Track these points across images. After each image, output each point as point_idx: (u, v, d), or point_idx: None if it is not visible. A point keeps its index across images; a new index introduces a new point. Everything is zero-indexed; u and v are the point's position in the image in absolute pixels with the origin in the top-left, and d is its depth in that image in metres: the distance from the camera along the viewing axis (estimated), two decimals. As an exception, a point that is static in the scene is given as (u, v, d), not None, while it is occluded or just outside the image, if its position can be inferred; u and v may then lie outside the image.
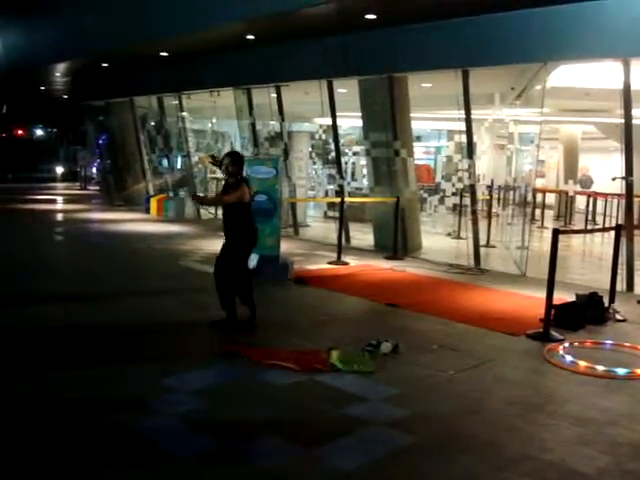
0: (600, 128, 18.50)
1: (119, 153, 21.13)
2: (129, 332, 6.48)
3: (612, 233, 8.22)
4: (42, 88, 22.77)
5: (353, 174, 14.46)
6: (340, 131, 13.95)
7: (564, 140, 19.94)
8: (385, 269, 10.54)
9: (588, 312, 7.22)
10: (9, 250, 11.38)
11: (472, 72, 10.52)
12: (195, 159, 17.93)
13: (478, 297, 8.62)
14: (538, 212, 17.13)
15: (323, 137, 14.05)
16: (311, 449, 3.99)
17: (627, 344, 6.46)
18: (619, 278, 8.23)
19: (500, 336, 6.69)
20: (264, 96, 14.47)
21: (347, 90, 13.07)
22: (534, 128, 12.10)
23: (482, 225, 12.07)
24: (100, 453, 3.85)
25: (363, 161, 13.48)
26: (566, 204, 17.74)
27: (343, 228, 11.56)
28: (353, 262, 10.90)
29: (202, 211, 17.54)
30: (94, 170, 30.61)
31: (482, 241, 11.73)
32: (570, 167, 19.30)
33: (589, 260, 12.97)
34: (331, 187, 13.75)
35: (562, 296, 7.42)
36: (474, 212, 11.19)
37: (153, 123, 19.45)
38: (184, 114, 17.90)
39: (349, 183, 13.76)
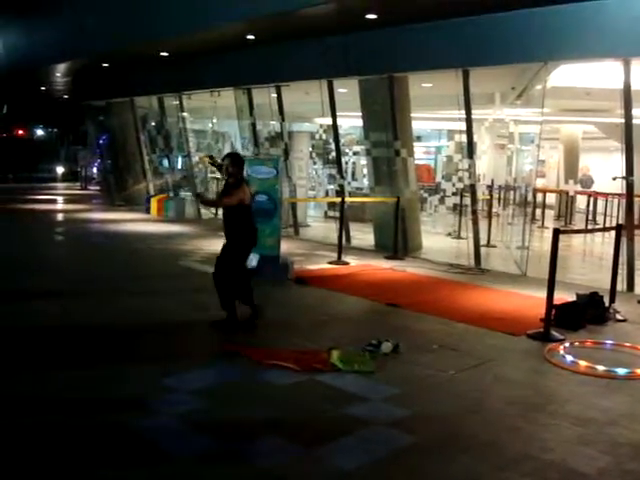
0: (600, 128, 18.49)
1: (120, 153, 21.14)
2: (129, 332, 6.48)
3: (612, 233, 8.21)
4: (43, 88, 22.78)
5: (353, 174, 14.46)
6: (340, 131, 13.95)
7: (564, 140, 19.94)
8: (385, 269, 10.54)
9: (588, 312, 7.21)
10: (10, 250, 11.39)
11: (472, 72, 10.52)
12: (195, 159, 17.94)
13: (478, 297, 8.61)
14: (538, 212, 17.13)
15: (323, 137, 14.05)
16: (312, 449, 3.99)
17: (627, 344, 6.46)
18: (620, 278, 8.24)
19: (500, 336, 6.69)
20: (264, 96, 14.47)
21: (347, 90, 13.07)
22: (534, 128, 12.09)
23: (482, 225, 12.07)
24: (100, 453, 3.85)
25: (363, 161, 13.48)
26: (566, 204, 17.73)
27: (343, 228, 11.55)
28: (353, 262, 10.90)
29: (203, 211, 17.54)
30: (95, 170, 30.62)
31: (482, 241, 11.72)
32: (570, 167, 19.29)
33: (589, 260, 12.96)
34: (331, 187, 13.74)
35: (563, 296, 7.41)
36: (474, 212, 11.19)
37: (154, 123, 19.45)
38: (184, 114, 17.90)
39: (349, 183, 13.76)
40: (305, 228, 15.57)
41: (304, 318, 7.25)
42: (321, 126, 14.52)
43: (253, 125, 15.19)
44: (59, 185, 30.99)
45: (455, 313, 7.58)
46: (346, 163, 13.46)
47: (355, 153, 13.83)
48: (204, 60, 14.98)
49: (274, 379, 5.18)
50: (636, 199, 10.26)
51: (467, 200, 11.36)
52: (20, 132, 41.51)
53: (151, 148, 19.56)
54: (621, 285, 8.66)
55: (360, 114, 12.74)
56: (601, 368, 5.61)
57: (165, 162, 19.41)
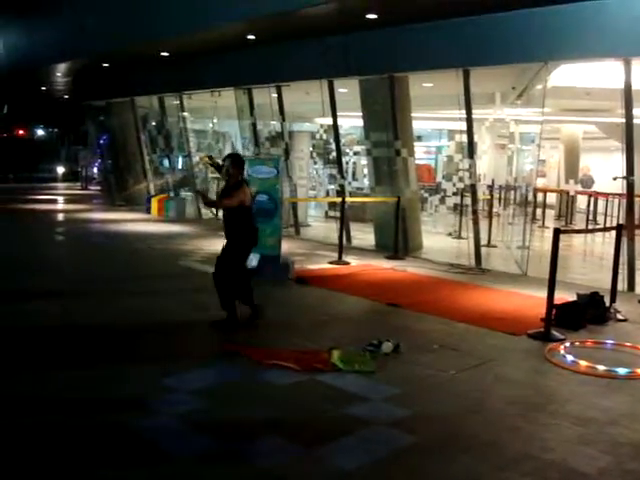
0: (601, 128, 18.48)
1: (120, 153, 21.14)
2: (129, 332, 6.48)
3: (613, 233, 8.20)
4: (43, 88, 22.79)
5: (354, 174, 14.47)
6: (341, 131, 13.95)
7: (565, 140, 19.93)
8: (386, 269, 10.54)
9: (589, 312, 7.21)
10: (10, 250, 11.39)
11: (473, 72, 10.51)
12: (196, 159, 17.94)
13: (479, 297, 8.61)
14: (539, 212, 17.13)
15: (324, 137, 14.05)
16: (312, 449, 3.98)
17: (628, 344, 6.45)
18: (620, 278, 8.23)
19: (501, 336, 6.68)
20: (265, 96, 14.47)
21: (348, 90, 13.07)
22: (535, 128, 12.08)
23: (483, 225, 12.07)
24: (100, 453, 3.85)
25: (364, 161, 13.48)
26: (567, 204, 17.73)
27: (344, 228, 11.55)
28: (354, 262, 10.90)
29: (203, 211, 17.53)
30: (95, 170, 30.64)
31: (483, 241, 11.71)
32: (571, 167, 19.27)
33: (590, 260, 12.95)
34: (332, 187, 13.74)
35: (563, 296, 7.40)
36: (475, 212, 11.18)
37: (154, 123, 19.46)
38: (185, 114, 17.90)
39: (350, 183, 13.77)
40: (306, 228, 15.56)
41: (305, 318, 7.25)
42: (322, 126, 14.53)
43: (254, 125, 15.19)
44: (60, 185, 31.01)
45: (456, 313, 7.58)
46: (347, 163, 13.46)
47: (356, 153, 13.83)
48: (204, 60, 14.99)
49: (274, 379, 5.18)
50: (636, 199, 10.25)
51: (468, 200, 11.35)
52: (21, 132, 41.53)
53: (151, 148, 19.57)
54: (622, 285, 8.65)
55: (361, 114, 12.74)
56: (602, 368, 5.61)
57: (165, 162, 19.42)
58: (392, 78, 11.71)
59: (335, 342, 6.04)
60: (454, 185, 11.25)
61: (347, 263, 10.74)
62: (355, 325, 7.24)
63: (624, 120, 9.06)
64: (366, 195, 13.74)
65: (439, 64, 10.85)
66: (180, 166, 19.51)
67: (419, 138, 22.96)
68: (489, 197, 14.56)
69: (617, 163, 9.47)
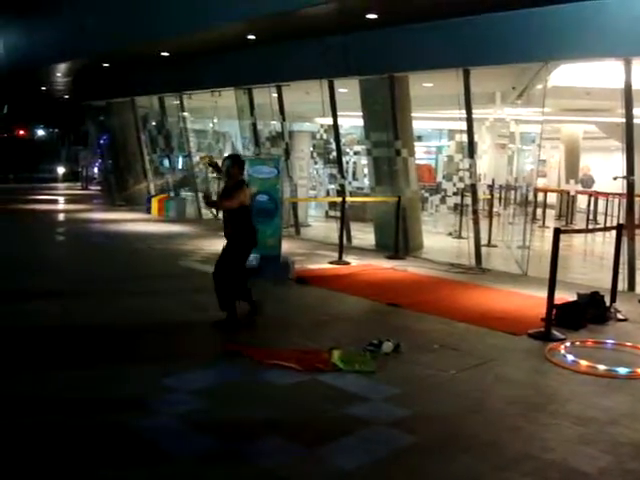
0: (601, 127, 18.47)
1: (120, 153, 21.14)
2: (129, 332, 6.48)
3: (613, 232, 8.20)
4: (43, 88, 22.79)
5: (354, 174, 14.44)
6: (341, 131, 13.95)
7: (565, 139, 19.92)
8: (386, 269, 10.53)
9: (589, 311, 7.21)
10: (10, 250, 11.38)
11: (473, 72, 10.50)
12: (196, 159, 17.93)
13: (479, 296, 8.60)
14: (539, 211, 17.13)
15: (324, 137, 14.05)
16: (312, 449, 3.98)
17: (628, 343, 6.45)
18: (620, 277, 8.23)
19: (501, 335, 6.68)
20: (265, 96, 14.47)
21: (348, 90, 13.06)
22: (535, 127, 12.09)
23: (483, 225, 12.07)
24: (100, 453, 3.85)
25: (364, 161, 13.47)
26: (567, 203, 17.73)
27: (344, 228, 11.55)
28: (354, 262, 10.90)
29: (203, 211, 17.53)
30: (95, 170, 30.64)
31: (483, 240, 11.71)
32: (571, 167, 19.27)
33: (590, 259, 12.95)
34: (332, 187, 13.73)
35: (563, 295, 7.40)
36: (475, 212, 11.18)
37: (154, 123, 19.46)
38: (185, 114, 17.90)
39: (350, 183, 13.75)
40: (306, 228, 15.56)
41: (305, 318, 7.25)
42: (322, 126, 14.52)
43: (254, 125, 15.19)
44: (60, 185, 31.00)
45: (456, 313, 7.58)
46: (347, 163, 13.45)
47: (356, 153, 13.82)
48: (204, 60, 14.98)
49: (275, 379, 5.18)
50: (637, 199, 10.25)
51: (468, 200, 11.35)
52: (21, 132, 41.50)
53: (152, 148, 19.57)
54: (622, 285, 8.65)
55: (361, 114, 12.73)
56: (602, 367, 5.60)
57: (166, 162, 19.41)
58: (392, 78, 11.71)
59: (335, 342, 6.04)
60: (454, 185, 11.25)
61: (347, 263, 10.74)
62: (355, 325, 7.24)
63: (624, 120, 9.05)
64: (366, 195, 13.73)
65: (439, 64, 10.85)
66: (180, 166, 19.51)
67: (419, 138, 22.95)
68: (489, 197, 14.55)
69: (617, 163, 9.47)
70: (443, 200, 11.55)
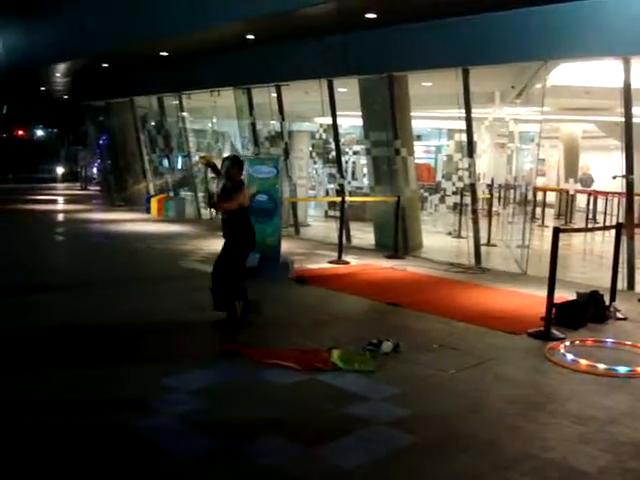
0: (600, 126, 18.48)
1: (119, 153, 21.14)
2: (129, 332, 6.48)
3: (613, 232, 8.21)
4: (42, 88, 22.78)
5: (354, 173, 14.47)
6: (340, 130, 13.95)
7: (564, 139, 19.93)
8: (386, 268, 10.54)
9: (589, 310, 7.21)
10: (10, 250, 11.38)
11: (472, 71, 10.51)
12: (195, 159, 17.94)
13: (479, 296, 8.61)
14: (539, 211, 17.13)
15: (323, 136, 14.05)
16: (312, 448, 3.98)
17: (628, 342, 6.46)
18: (620, 276, 8.24)
19: (501, 335, 6.68)
20: (264, 96, 14.47)
21: (347, 89, 13.06)
22: (534, 127, 12.09)
23: (483, 224, 12.06)
24: (100, 453, 3.85)
25: (363, 160, 13.48)
26: (567, 203, 17.74)
27: (344, 227, 11.55)
28: (354, 261, 10.90)
29: (203, 211, 17.54)
30: (95, 170, 30.61)
31: (483, 240, 11.71)
32: (570, 166, 19.29)
33: (590, 259, 12.96)
34: (332, 186, 13.74)
35: (563, 295, 7.40)
36: (475, 211, 11.18)
37: (153, 123, 19.46)
38: (184, 114, 17.90)
39: (349, 182, 13.76)
40: (305, 227, 15.56)
41: (304, 317, 7.25)
42: (321, 125, 14.53)
43: (253, 125, 15.19)
44: (59, 185, 30.99)
45: (455, 312, 7.58)
46: (346, 162, 13.47)
47: (355, 152, 13.85)
48: (204, 60, 14.98)
49: (274, 378, 5.18)
50: (636, 198, 10.25)
51: (467, 199, 11.35)
52: (20, 132, 41.49)
53: (151, 148, 19.57)
54: (621, 284, 8.65)
55: (360, 113, 12.73)
56: (602, 366, 5.61)
57: (165, 162, 19.41)
58: (391, 77, 11.71)
59: (335, 341, 6.04)
60: (454, 184, 11.25)
61: (347, 262, 10.74)
62: (355, 324, 7.24)
63: (623, 119, 9.06)
64: (366, 194, 13.74)
65: (438, 63, 10.85)
66: (179, 166, 19.50)
67: (419, 137, 22.95)
68: (489, 196, 14.56)
69: (616, 162, 9.47)
70: (442, 199, 11.56)
